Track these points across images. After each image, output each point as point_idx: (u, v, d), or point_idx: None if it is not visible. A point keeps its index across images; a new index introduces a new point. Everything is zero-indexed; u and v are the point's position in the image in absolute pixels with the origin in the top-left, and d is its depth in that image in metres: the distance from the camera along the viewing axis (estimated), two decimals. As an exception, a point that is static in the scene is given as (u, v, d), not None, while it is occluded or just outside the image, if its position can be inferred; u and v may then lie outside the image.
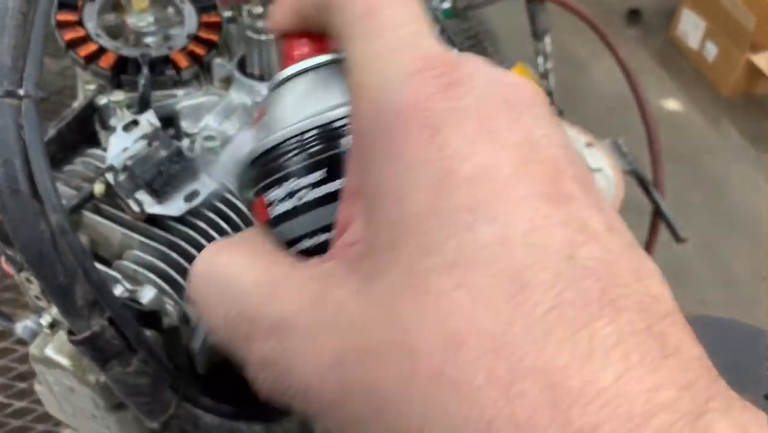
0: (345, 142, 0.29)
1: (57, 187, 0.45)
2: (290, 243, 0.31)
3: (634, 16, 3.49)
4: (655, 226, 1.88)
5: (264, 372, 0.26)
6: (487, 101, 0.23)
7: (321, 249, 0.29)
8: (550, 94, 1.71)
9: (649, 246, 1.92)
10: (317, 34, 0.31)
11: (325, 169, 0.29)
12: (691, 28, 3.24)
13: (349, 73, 0.26)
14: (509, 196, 0.21)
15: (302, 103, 0.30)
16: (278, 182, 0.30)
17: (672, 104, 3.11)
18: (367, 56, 0.25)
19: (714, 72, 3.14)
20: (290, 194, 0.30)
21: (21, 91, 0.45)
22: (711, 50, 3.13)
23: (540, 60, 1.81)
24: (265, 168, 0.31)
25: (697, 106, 3.11)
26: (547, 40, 1.82)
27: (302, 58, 0.32)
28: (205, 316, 0.29)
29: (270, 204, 0.31)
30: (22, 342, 0.66)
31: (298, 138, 0.29)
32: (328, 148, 0.29)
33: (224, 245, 0.30)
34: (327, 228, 0.29)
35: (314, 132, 0.29)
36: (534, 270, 0.20)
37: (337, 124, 0.29)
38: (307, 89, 0.31)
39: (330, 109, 0.29)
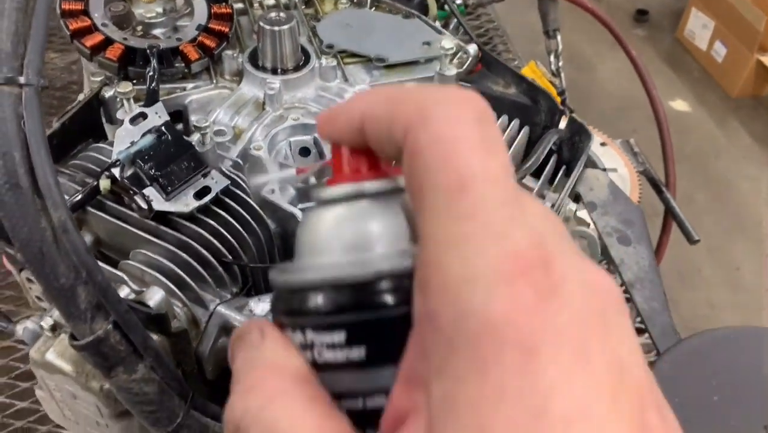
0: (390, 304, 0.24)
1: (59, 182, 0.42)
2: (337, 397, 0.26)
3: (641, 15, 3.45)
4: (666, 226, 1.86)
5: None
6: (582, 317, 0.23)
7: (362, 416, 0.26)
8: (562, 93, 1.68)
9: (660, 247, 1.90)
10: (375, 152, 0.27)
11: (345, 333, 0.25)
12: (699, 28, 3.21)
13: (425, 246, 0.24)
14: None
15: (346, 236, 0.26)
16: (296, 327, 0.26)
17: (680, 105, 3.07)
18: (451, 238, 0.23)
19: (723, 73, 3.11)
20: (305, 346, 0.26)
21: (21, 79, 0.42)
22: (720, 51, 3.09)
23: (552, 59, 1.79)
24: (287, 305, 0.26)
25: (705, 107, 3.07)
26: (559, 38, 1.80)
27: (356, 178, 0.27)
28: None
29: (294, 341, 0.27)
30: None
31: (331, 285, 0.25)
32: (363, 309, 0.25)
33: (266, 397, 0.26)
34: (350, 396, 0.25)
35: (352, 286, 0.25)
36: None
37: (384, 285, 0.25)
38: (355, 219, 0.26)
39: (380, 258, 0.25)
